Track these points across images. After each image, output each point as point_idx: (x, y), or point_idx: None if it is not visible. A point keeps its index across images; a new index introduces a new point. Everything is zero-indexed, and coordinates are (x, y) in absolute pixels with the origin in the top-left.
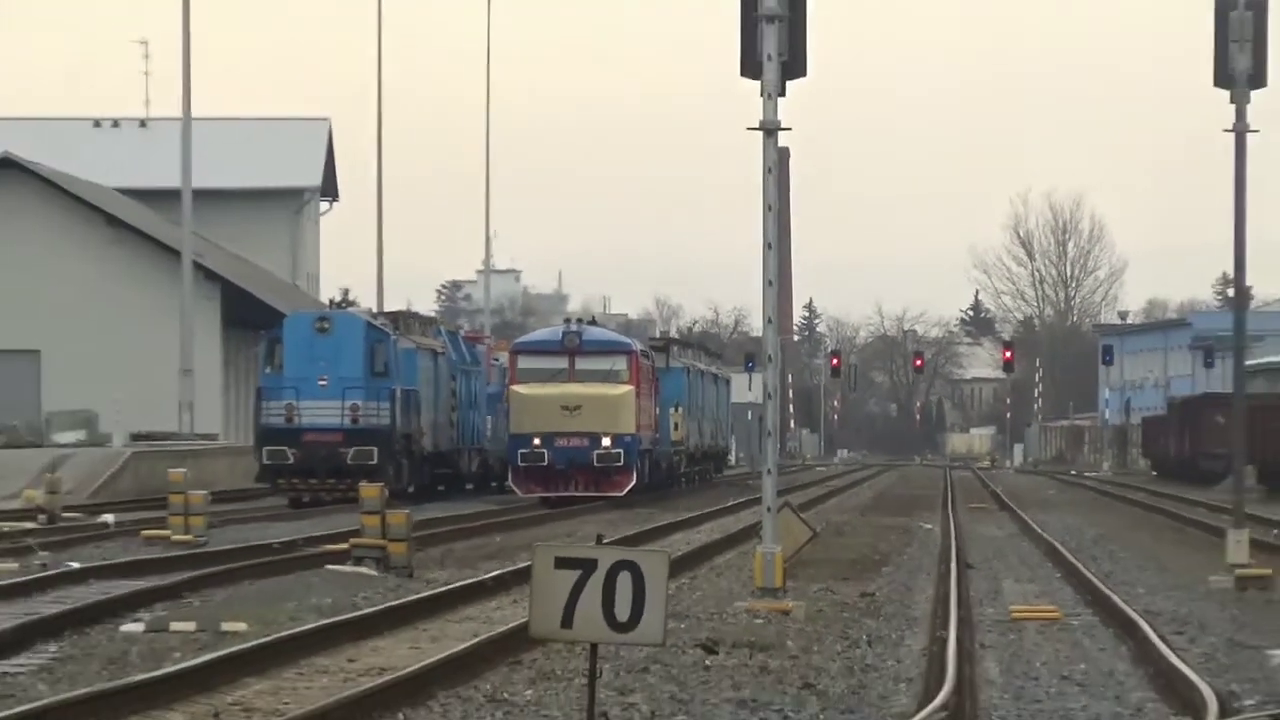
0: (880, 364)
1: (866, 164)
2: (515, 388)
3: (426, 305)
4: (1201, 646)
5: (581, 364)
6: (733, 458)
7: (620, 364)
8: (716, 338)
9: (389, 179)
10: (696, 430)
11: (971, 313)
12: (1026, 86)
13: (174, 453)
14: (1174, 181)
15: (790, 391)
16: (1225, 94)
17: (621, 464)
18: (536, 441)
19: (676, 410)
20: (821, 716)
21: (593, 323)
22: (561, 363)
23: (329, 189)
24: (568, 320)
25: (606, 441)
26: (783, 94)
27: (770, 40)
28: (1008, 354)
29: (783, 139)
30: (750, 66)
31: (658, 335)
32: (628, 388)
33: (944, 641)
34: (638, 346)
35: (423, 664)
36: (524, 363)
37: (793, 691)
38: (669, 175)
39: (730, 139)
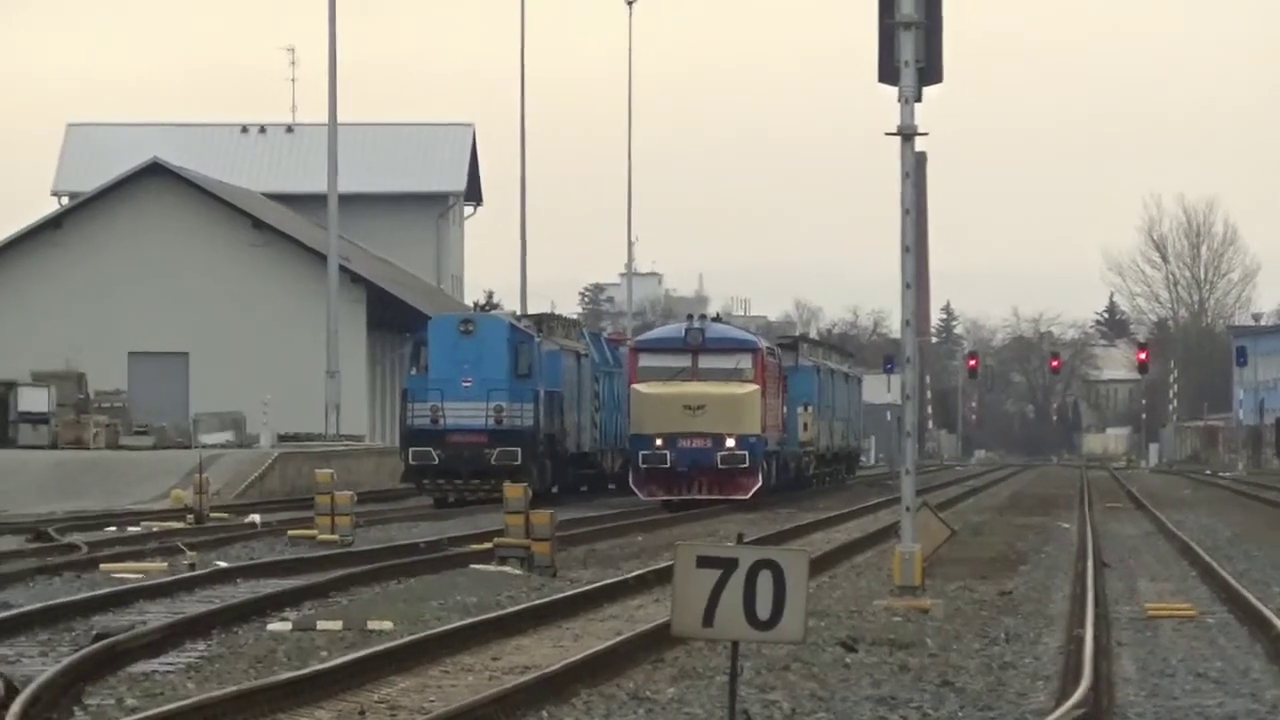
0: (1017, 365)
1: (1002, 168)
2: (637, 386)
3: (569, 308)
4: None
5: (705, 362)
6: (869, 458)
7: (745, 362)
8: (856, 339)
9: (532, 183)
10: (827, 430)
11: (1106, 314)
12: (1159, 88)
13: (320, 454)
14: None
15: (928, 393)
16: None
17: (746, 466)
18: (659, 442)
19: (805, 410)
20: (960, 714)
21: (717, 319)
22: (684, 361)
23: (473, 193)
24: (690, 316)
25: (731, 442)
26: (919, 99)
27: (907, 46)
28: (1143, 355)
29: (920, 144)
30: (888, 72)
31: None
32: (753, 386)
33: (1081, 639)
34: (763, 344)
35: (566, 662)
36: (645, 360)
37: (931, 689)
38: (811, 179)
39: (870, 144)
